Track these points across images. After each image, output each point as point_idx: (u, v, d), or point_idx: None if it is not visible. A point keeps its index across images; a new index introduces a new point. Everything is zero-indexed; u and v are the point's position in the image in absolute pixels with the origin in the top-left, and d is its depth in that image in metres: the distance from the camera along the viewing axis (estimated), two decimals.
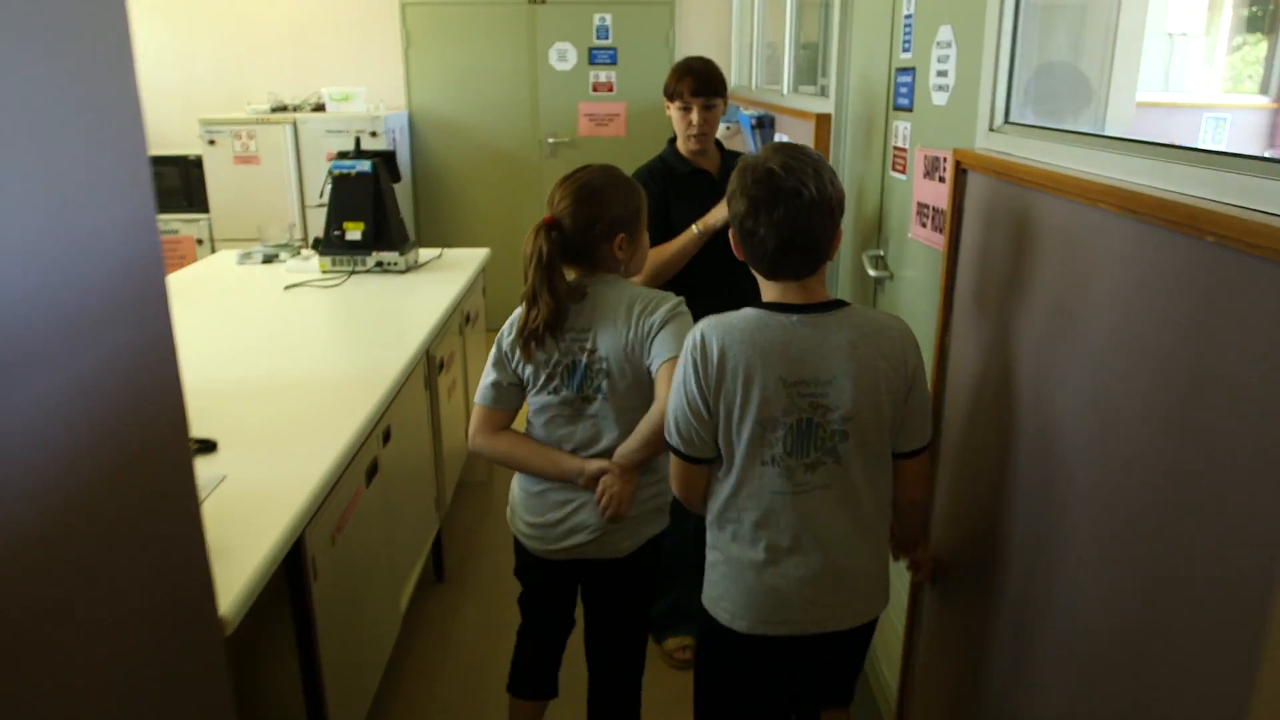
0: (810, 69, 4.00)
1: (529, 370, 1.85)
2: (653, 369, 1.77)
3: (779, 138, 3.73)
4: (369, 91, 5.52)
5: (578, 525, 1.88)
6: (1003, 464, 1.60)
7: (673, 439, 1.61)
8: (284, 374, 2.44)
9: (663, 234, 2.51)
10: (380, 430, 2.31)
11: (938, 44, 2.03)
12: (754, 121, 3.86)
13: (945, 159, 1.97)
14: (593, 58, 5.82)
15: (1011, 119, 1.66)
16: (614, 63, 5.83)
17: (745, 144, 4.07)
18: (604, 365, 1.81)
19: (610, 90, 5.87)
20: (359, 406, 2.20)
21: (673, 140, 2.69)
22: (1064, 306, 1.38)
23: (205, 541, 1.23)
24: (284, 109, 5.43)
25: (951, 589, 1.89)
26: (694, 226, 2.46)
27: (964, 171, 1.71)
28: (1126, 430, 1.21)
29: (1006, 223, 1.59)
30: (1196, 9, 3.70)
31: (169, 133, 5.60)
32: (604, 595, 2.02)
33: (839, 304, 1.56)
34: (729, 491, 1.59)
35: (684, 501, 1.70)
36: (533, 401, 1.90)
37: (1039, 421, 1.47)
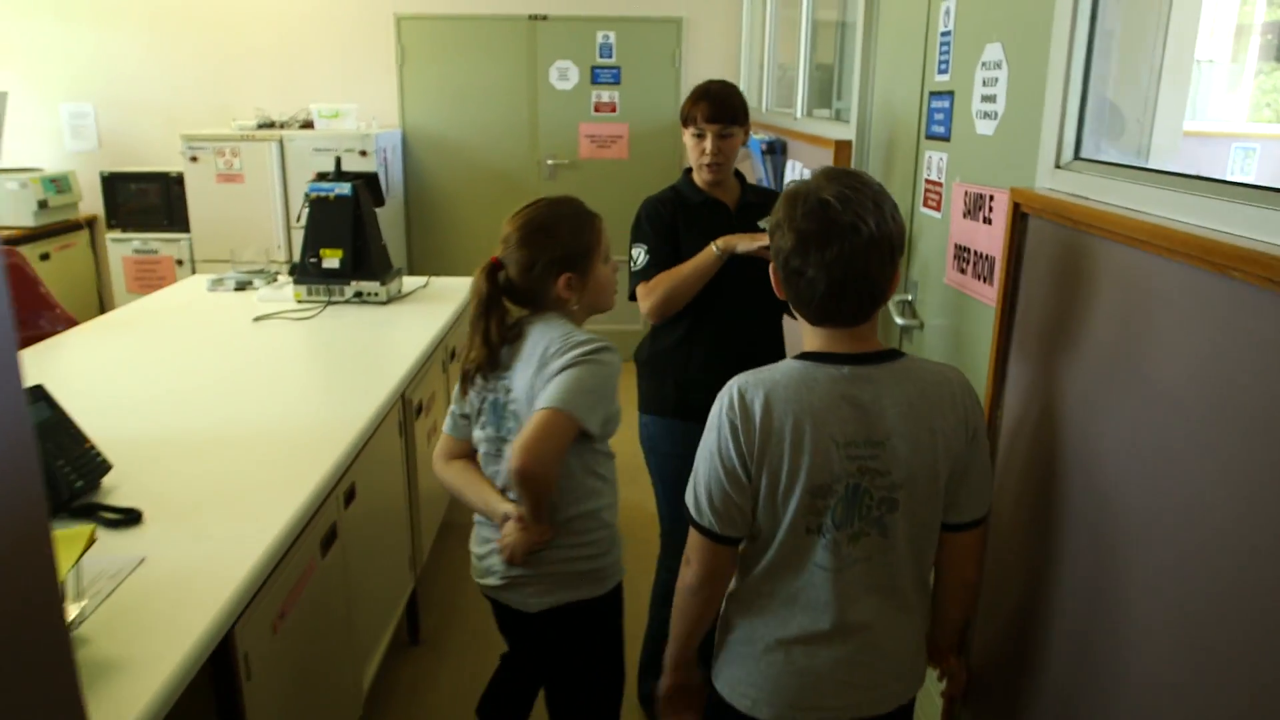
0: (824, 92, 3.75)
1: (469, 404, 1.84)
2: (534, 410, 1.64)
3: (791, 165, 3.48)
4: (360, 108, 5.28)
5: (492, 566, 1.85)
6: (1050, 546, 1.34)
7: (703, 518, 1.38)
8: (237, 423, 2.17)
9: (672, 266, 2.29)
10: (342, 490, 2.04)
11: (983, 65, 1.78)
12: (764, 147, 3.62)
13: (993, 197, 1.71)
14: (595, 77, 5.58)
15: (1084, 154, 1.40)
16: (617, 82, 5.59)
17: (754, 170, 3.82)
18: (516, 406, 1.74)
19: (613, 111, 5.63)
20: (318, 463, 1.93)
21: (689, 170, 2.44)
22: (1144, 373, 1.14)
23: (76, 674, 0.95)
24: (271, 125, 5.19)
25: (988, 707, 1.61)
26: (713, 245, 2.21)
27: (1024, 215, 1.45)
28: (1207, 505, 0.99)
29: (1078, 277, 1.33)
30: (1223, 35, 3.53)
31: (150, 149, 5.36)
32: (533, 648, 1.96)
33: (893, 354, 1.35)
34: (763, 567, 1.39)
35: (701, 594, 1.44)
36: (473, 435, 1.88)
37: (1096, 498, 1.24)
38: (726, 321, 2.34)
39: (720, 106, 2.30)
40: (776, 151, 3.61)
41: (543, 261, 1.71)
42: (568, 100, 5.60)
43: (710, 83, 2.39)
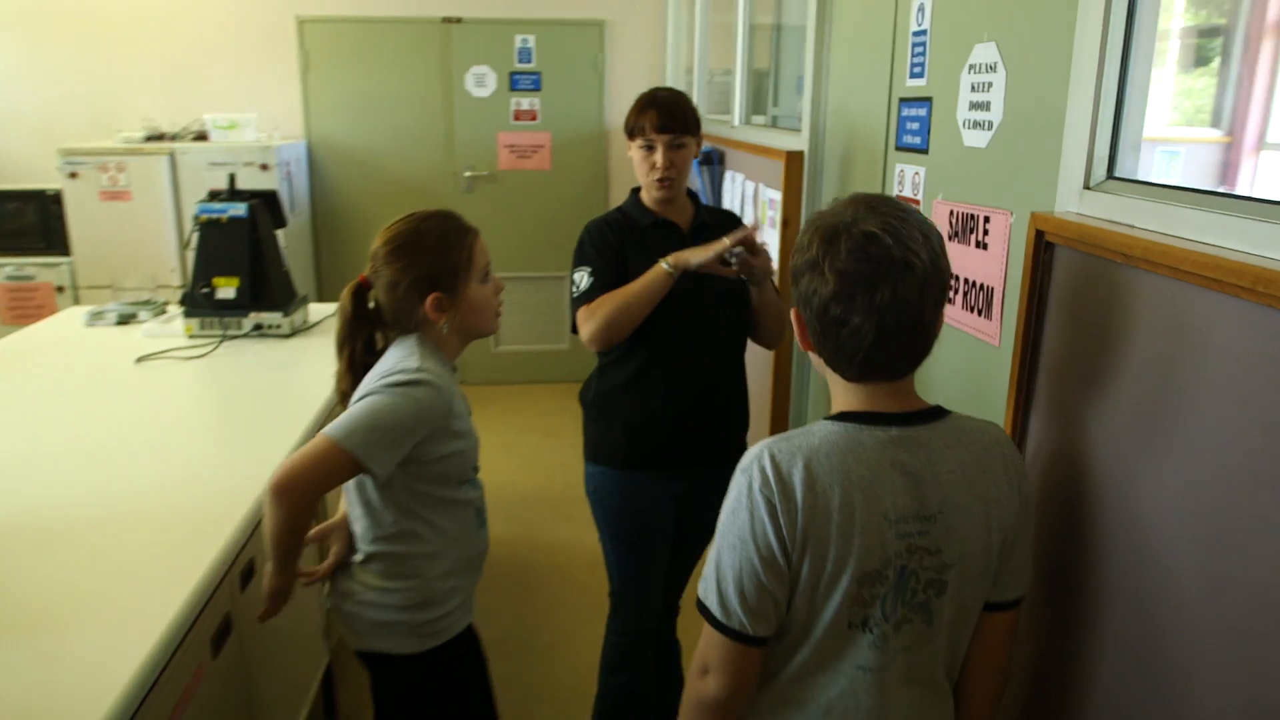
0: (761, 98, 3.55)
1: None
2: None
3: (731, 176, 3.26)
4: (260, 118, 4.88)
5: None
6: (1087, 622, 1.13)
7: (732, 618, 1.12)
8: (108, 496, 1.83)
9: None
10: (239, 570, 1.73)
11: (971, 68, 1.57)
12: (700, 157, 3.39)
13: (988, 219, 1.50)
14: (514, 83, 5.29)
15: (1117, 173, 1.19)
16: (538, 89, 5.31)
17: (691, 182, 3.59)
18: None
19: (534, 119, 5.35)
20: (209, 543, 1.62)
21: (636, 190, 2.18)
22: (1195, 426, 0.94)
23: None
24: (160, 138, 4.75)
25: None
26: (663, 263, 1.95)
27: (1049, 245, 1.23)
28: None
29: (1116, 316, 1.12)
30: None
31: (22, 164, 4.88)
32: None
33: (939, 411, 1.15)
34: (792, 671, 1.16)
35: (730, 711, 1.18)
36: None
37: (1139, 568, 1.06)
38: (682, 357, 2.09)
39: (671, 115, 2.05)
40: (714, 162, 3.38)
41: (408, 280, 1.59)
42: (485, 108, 5.30)
43: (657, 90, 2.14)
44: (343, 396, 1.67)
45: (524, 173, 5.39)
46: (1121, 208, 1.13)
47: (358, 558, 1.64)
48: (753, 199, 2.94)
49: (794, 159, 2.47)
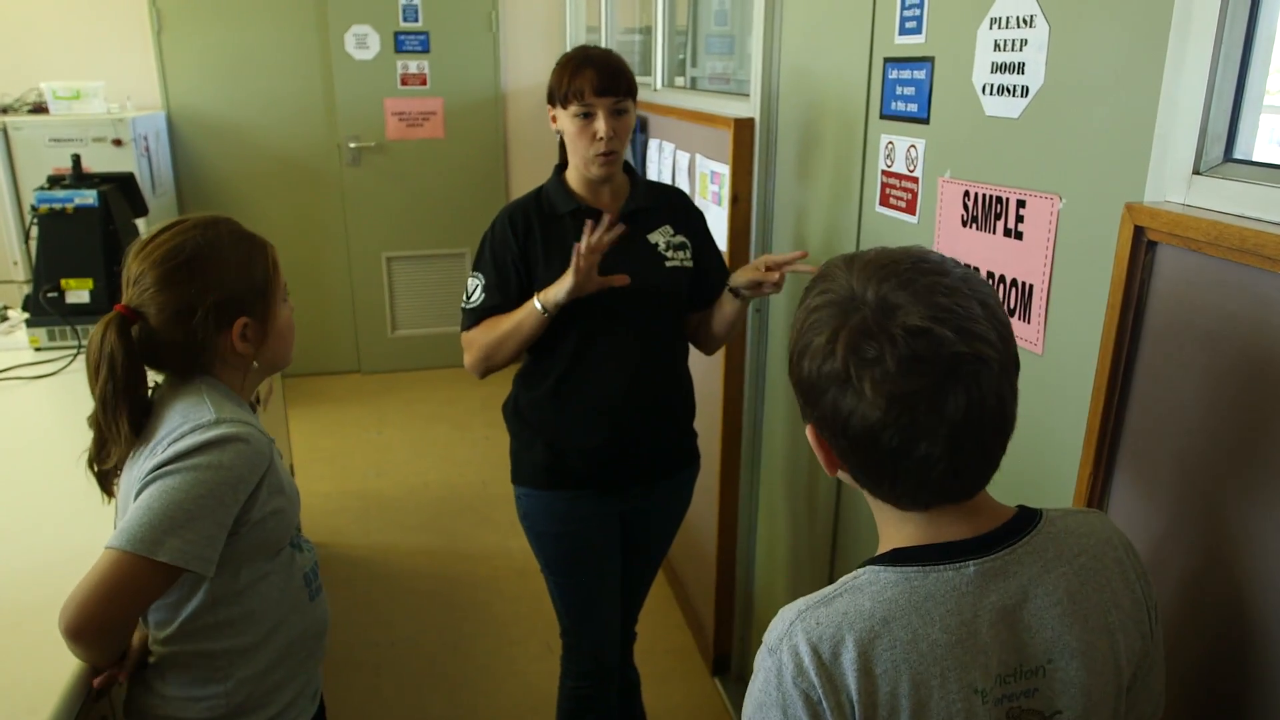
0: (683, 60, 3.26)
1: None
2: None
3: (656, 145, 2.96)
4: (109, 87, 4.30)
5: None
6: None
7: None
8: None
9: (518, 303, 1.79)
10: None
11: (994, 22, 1.32)
12: None
13: (1021, 202, 1.26)
14: (400, 44, 4.82)
15: (1237, 154, 0.95)
16: (426, 50, 4.86)
17: None
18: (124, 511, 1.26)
19: (423, 84, 4.90)
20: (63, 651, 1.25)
21: (560, 169, 1.87)
22: None
23: None
24: None
25: None
26: (535, 301, 1.73)
27: (1151, 245, 0.99)
28: None
29: (1250, 337, 0.89)
30: None
31: None
32: None
33: (1026, 518, 0.86)
34: None
35: None
36: None
37: None
38: (607, 363, 1.82)
39: (613, 75, 1.75)
40: (637, 130, 3.08)
41: (207, 305, 1.26)
42: (369, 72, 4.82)
43: (587, 48, 1.84)
44: (104, 477, 1.30)
45: (415, 142, 4.95)
46: (1252, 199, 0.90)
47: (152, 659, 1.31)
48: (687, 171, 2.66)
49: (743, 127, 2.19)
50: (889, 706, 0.79)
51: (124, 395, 1.25)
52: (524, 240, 1.80)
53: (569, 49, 1.89)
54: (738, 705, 2.59)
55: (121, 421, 1.25)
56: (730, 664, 2.72)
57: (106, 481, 1.32)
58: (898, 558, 0.84)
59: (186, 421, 1.23)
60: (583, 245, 1.63)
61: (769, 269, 1.72)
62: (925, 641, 0.79)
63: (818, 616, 0.81)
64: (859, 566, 0.86)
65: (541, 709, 2.56)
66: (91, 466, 1.31)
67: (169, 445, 1.20)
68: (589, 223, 1.68)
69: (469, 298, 1.83)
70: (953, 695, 0.79)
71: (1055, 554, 0.84)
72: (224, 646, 1.29)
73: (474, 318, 1.82)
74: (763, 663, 0.83)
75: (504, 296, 1.80)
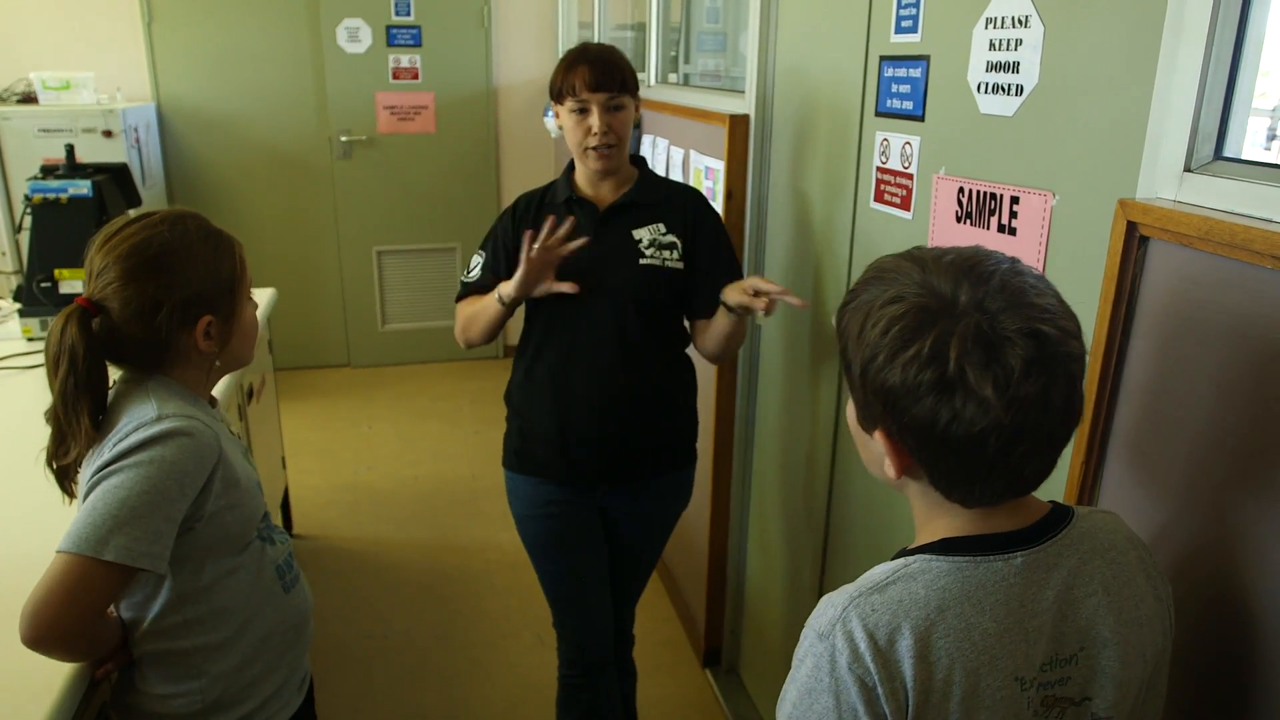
0: (677, 55, 3.27)
1: None
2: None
3: (650, 140, 2.98)
4: (99, 78, 4.29)
5: None
6: None
7: None
8: None
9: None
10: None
11: (989, 22, 1.34)
12: None
13: (1015, 198, 1.29)
14: (391, 38, 4.82)
15: (1226, 153, 0.97)
16: (418, 44, 4.86)
17: None
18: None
19: (415, 78, 4.90)
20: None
21: (572, 165, 1.91)
22: None
23: None
24: None
25: None
26: (498, 293, 1.80)
27: (1143, 240, 1.01)
28: None
29: (1242, 333, 0.91)
30: None
31: None
32: None
33: (1062, 514, 0.88)
34: None
35: None
36: None
37: None
38: (573, 354, 1.85)
39: (606, 70, 1.78)
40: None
41: (173, 302, 1.25)
42: (361, 66, 4.82)
43: (586, 44, 1.87)
44: (62, 474, 1.27)
45: (406, 136, 4.95)
46: (1241, 196, 0.92)
47: (135, 654, 1.31)
48: (681, 167, 2.68)
49: (738, 124, 2.21)
50: (941, 693, 0.80)
51: (85, 389, 1.22)
52: (519, 226, 1.85)
53: (560, 44, 1.94)
54: (729, 697, 2.62)
55: (82, 416, 1.23)
56: (721, 656, 2.74)
57: (65, 479, 1.29)
58: (949, 548, 0.84)
59: (131, 420, 1.22)
60: (535, 241, 1.69)
61: (756, 294, 1.66)
62: (977, 631, 0.81)
63: (872, 603, 0.81)
64: (899, 554, 0.87)
65: (533, 701, 2.58)
66: (50, 464, 1.27)
67: (114, 445, 1.20)
68: (550, 218, 1.72)
69: (468, 271, 1.94)
70: (999, 683, 0.81)
71: (1090, 548, 0.86)
72: (195, 644, 1.29)
73: (463, 291, 1.94)
74: (811, 649, 0.82)
75: (493, 276, 1.87)
